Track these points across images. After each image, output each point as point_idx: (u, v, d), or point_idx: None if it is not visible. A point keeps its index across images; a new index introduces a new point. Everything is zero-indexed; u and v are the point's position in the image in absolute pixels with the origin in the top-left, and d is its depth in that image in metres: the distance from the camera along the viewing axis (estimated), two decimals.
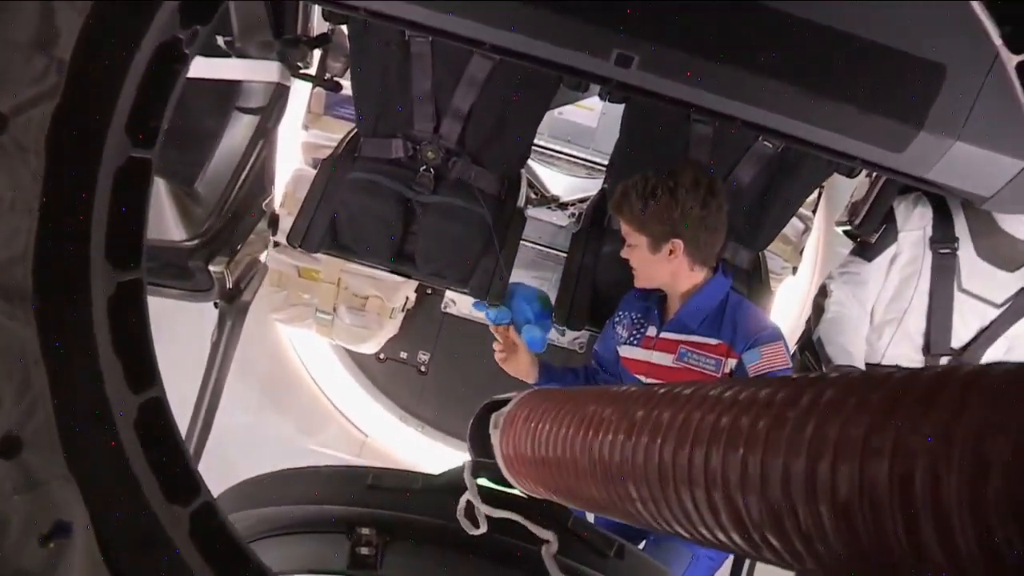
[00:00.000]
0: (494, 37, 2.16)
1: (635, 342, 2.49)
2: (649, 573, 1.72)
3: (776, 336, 2.32)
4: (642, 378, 2.43)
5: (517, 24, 2.10)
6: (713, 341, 2.33)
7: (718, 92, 2.12)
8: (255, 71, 2.69)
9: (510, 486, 1.33)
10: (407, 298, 4.50)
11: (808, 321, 3.14)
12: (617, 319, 2.60)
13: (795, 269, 4.08)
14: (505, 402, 1.35)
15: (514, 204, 3.06)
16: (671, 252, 2.32)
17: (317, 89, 3.43)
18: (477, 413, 1.46)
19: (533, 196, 4.01)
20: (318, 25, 2.90)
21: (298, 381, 4.89)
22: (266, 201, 3.14)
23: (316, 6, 2.78)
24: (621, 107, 2.85)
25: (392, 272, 3.20)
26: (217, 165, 2.69)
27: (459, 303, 4.60)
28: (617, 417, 0.92)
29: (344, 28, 2.91)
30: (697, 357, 2.33)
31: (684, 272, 2.37)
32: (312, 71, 3.07)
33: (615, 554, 1.62)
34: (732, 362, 2.28)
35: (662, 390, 0.89)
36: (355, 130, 3.04)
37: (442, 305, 4.70)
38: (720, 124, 2.61)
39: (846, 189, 3.16)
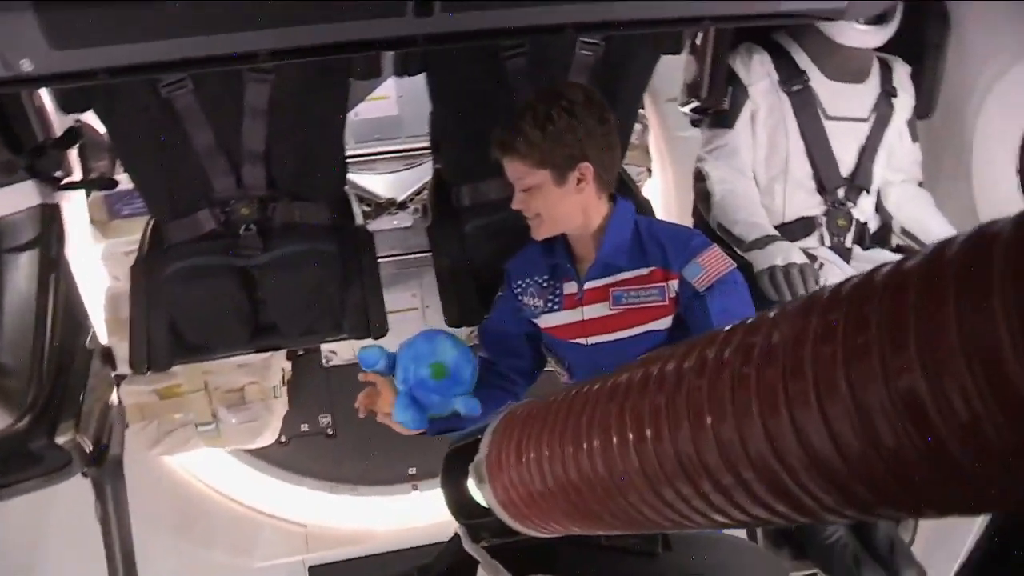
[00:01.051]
0: (267, 41, 1.83)
1: (555, 307, 2.22)
2: (702, 547, 1.52)
3: (706, 242, 2.14)
4: (581, 341, 2.18)
5: (288, 15, 1.78)
6: (646, 270, 2.11)
7: (537, 2, 1.89)
8: (8, 201, 2.28)
9: (516, 534, 1.07)
10: (283, 370, 4.13)
11: (694, 213, 3.02)
12: (518, 289, 2.31)
13: (650, 171, 3.99)
14: (470, 447, 1.07)
15: (353, 225, 2.81)
16: (580, 180, 2.07)
17: (94, 194, 3.03)
18: (443, 469, 1.18)
19: (367, 209, 3.73)
20: (60, 122, 2.49)
21: (210, 505, 4.43)
22: (88, 338, 2.73)
23: (49, 102, 2.40)
24: (419, 86, 2.68)
25: (258, 351, 2.89)
26: (12, 324, 2.27)
27: (340, 351, 4.25)
28: (667, 404, 0.69)
29: (92, 115, 2.52)
30: (635, 294, 2.10)
31: (594, 203, 2.13)
32: (77, 177, 2.66)
33: (663, 547, 1.41)
34: (674, 283, 2.07)
35: (704, 353, 0.67)
36: (153, 220, 2.69)
37: (323, 360, 4.34)
38: (533, 49, 2.43)
39: (662, 75, 3.02)
